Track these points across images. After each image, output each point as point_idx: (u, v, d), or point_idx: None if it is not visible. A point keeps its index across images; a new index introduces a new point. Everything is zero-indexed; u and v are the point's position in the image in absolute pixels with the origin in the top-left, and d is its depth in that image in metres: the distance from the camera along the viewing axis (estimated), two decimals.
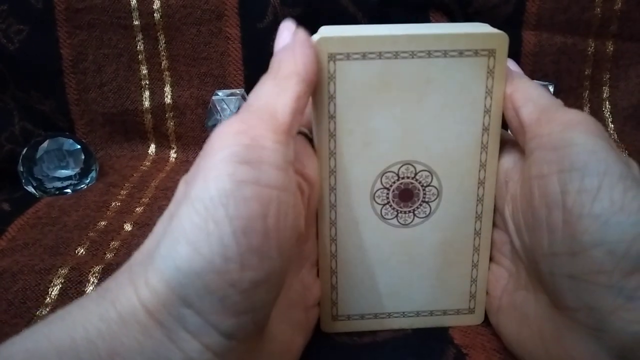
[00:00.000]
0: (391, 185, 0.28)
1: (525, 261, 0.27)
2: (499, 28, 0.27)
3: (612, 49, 0.50)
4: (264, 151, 0.21)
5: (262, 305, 0.21)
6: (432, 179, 0.28)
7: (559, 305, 0.24)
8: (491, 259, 0.30)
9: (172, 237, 0.20)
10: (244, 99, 0.48)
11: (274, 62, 0.25)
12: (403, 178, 0.28)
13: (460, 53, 0.26)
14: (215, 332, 0.20)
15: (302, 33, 0.26)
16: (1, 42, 0.48)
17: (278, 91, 0.24)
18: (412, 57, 0.26)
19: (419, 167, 0.28)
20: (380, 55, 0.26)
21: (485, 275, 0.30)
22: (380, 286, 0.30)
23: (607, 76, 0.51)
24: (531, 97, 0.27)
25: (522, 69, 0.47)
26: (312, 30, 0.28)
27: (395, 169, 0.28)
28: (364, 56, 0.26)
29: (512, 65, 0.29)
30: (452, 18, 0.48)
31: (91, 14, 0.49)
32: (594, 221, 0.22)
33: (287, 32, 0.26)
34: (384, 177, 0.28)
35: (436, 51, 0.26)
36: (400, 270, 0.30)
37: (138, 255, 0.22)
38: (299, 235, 0.24)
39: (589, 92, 0.51)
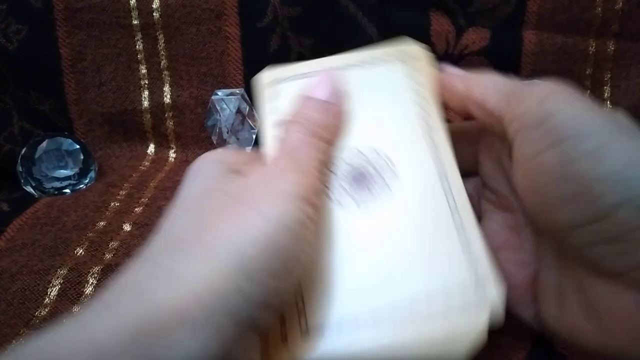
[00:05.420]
0: (344, 173, 0.29)
1: (549, 241, 0.26)
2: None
3: (613, 48, 0.50)
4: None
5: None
6: (385, 163, 0.29)
7: (604, 272, 0.22)
8: (509, 247, 0.28)
9: None
10: (243, 98, 0.47)
11: (309, 117, 0.28)
12: (355, 165, 0.29)
13: (378, 63, 0.31)
14: None
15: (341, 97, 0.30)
16: (0, 42, 0.48)
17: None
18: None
19: (370, 155, 0.29)
20: (304, 75, 0.31)
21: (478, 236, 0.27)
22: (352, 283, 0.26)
23: (608, 76, 0.51)
24: (489, 87, 0.26)
25: (523, 69, 0.47)
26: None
27: (346, 157, 0.29)
28: (291, 79, 0.31)
29: (454, 70, 0.30)
30: (453, 18, 0.47)
31: (90, 14, 0.48)
32: (605, 182, 0.21)
33: (321, 90, 0.29)
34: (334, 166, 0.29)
35: (354, 65, 0.31)
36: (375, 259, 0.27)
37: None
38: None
39: (590, 92, 0.51)
